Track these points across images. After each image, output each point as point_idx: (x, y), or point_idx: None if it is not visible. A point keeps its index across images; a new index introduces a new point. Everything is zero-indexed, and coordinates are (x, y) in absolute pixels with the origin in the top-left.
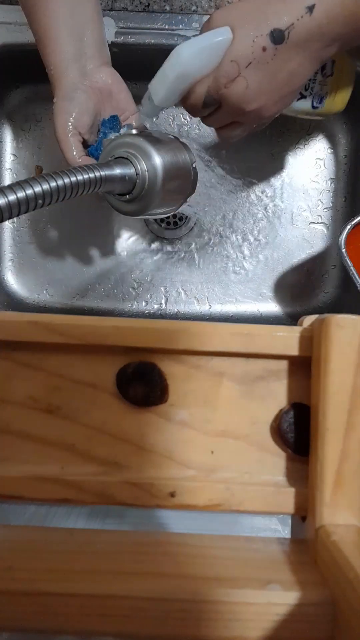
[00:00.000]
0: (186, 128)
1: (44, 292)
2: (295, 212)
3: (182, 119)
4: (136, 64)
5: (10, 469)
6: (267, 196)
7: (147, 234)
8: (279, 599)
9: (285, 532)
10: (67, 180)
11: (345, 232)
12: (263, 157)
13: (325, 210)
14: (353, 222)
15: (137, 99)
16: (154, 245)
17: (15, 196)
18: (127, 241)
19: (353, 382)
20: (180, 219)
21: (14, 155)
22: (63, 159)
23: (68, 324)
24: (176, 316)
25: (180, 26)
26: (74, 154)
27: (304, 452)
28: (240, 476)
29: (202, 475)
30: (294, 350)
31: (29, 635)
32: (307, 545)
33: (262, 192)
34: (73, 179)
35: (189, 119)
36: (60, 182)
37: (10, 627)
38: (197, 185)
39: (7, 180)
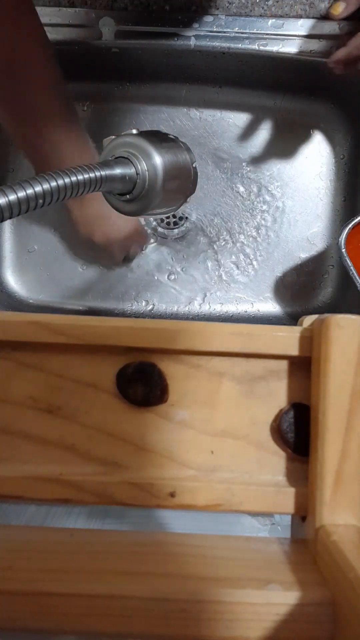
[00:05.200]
0: (186, 128)
1: (44, 292)
2: (295, 212)
3: (183, 119)
4: (135, 64)
5: (10, 469)
6: (267, 196)
7: (147, 234)
8: (279, 599)
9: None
10: (67, 180)
11: (345, 232)
12: (263, 157)
13: (325, 210)
14: (353, 222)
15: (135, 99)
16: (154, 245)
17: (15, 196)
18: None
19: (353, 382)
20: (181, 218)
21: (14, 155)
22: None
23: (68, 324)
24: (175, 316)
25: (180, 26)
26: None
27: (304, 452)
28: (240, 476)
29: (202, 475)
30: (294, 350)
31: (29, 635)
32: (307, 545)
33: (262, 192)
34: (73, 178)
35: (190, 118)
36: (60, 181)
37: (10, 627)
38: (198, 185)
39: (8, 181)
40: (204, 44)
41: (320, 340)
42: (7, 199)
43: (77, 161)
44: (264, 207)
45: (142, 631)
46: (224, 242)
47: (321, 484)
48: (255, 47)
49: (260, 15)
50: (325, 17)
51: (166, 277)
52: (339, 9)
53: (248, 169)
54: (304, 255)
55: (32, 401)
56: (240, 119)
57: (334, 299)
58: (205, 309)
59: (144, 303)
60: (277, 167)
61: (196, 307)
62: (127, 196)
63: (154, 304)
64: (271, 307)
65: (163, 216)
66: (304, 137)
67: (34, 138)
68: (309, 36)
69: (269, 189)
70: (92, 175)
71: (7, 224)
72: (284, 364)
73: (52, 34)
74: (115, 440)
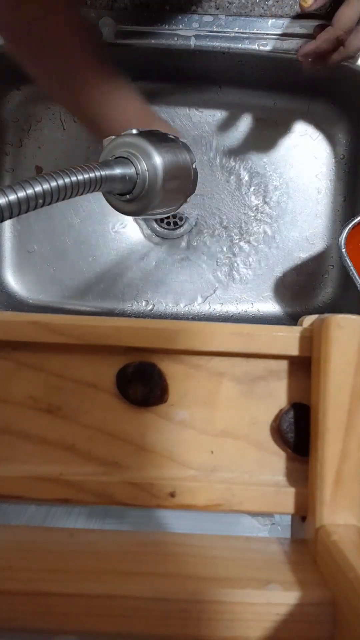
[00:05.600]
0: (186, 128)
1: (44, 292)
2: (295, 212)
3: (183, 119)
4: (136, 64)
5: (10, 469)
6: (267, 196)
7: (147, 234)
8: (279, 599)
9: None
10: (67, 180)
11: (345, 232)
12: (263, 158)
13: (325, 210)
14: (353, 222)
15: None
16: (154, 245)
17: (15, 196)
18: (126, 241)
19: (353, 382)
20: (181, 218)
21: (14, 155)
22: (62, 157)
23: (68, 324)
24: (175, 316)
25: (180, 26)
26: None
27: (304, 452)
28: (240, 476)
29: (202, 475)
30: (294, 350)
31: (29, 635)
32: (307, 545)
33: (262, 192)
34: (73, 178)
35: (190, 118)
36: (60, 181)
37: (10, 627)
38: (198, 185)
39: (7, 181)
40: (204, 44)
41: (320, 340)
42: (7, 199)
43: (129, 112)
44: (264, 207)
45: (142, 631)
46: (223, 242)
47: (321, 484)
48: (255, 47)
49: (260, 15)
50: (326, 17)
51: (166, 277)
52: (309, 2)
53: (248, 168)
54: (304, 255)
55: (32, 401)
56: (240, 119)
57: (334, 299)
58: (205, 309)
59: (144, 303)
60: (276, 167)
61: (196, 307)
62: (127, 196)
63: (154, 304)
64: (271, 307)
65: (163, 216)
66: (304, 137)
67: (81, 97)
68: (309, 36)
69: (269, 188)
70: (92, 175)
71: (7, 224)
72: (284, 364)
73: None
74: (115, 440)
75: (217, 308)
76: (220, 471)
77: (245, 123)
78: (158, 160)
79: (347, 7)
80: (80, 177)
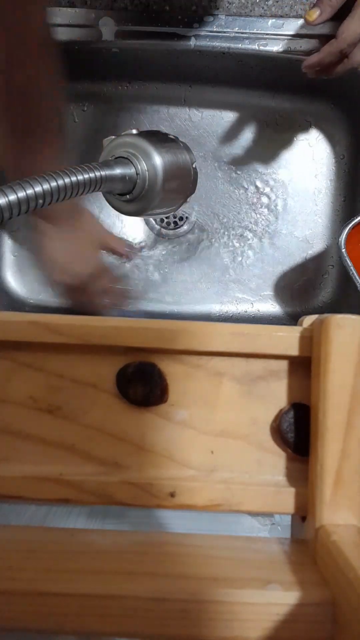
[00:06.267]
0: (186, 128)
1: (44, 292)
2: (295, 212)
3: (183, 119)
4: (135, 64)
5: (10, 469)
6: (267, 196)
7: (147, 234)
8: (279, 599)
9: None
10: (67, 180)
11: (345, 232)
12: (263, 158)
13: (325, 210)
14: (353, 222)
15: (135, 99)
16: (154, 245)
17: (15, 196)
18: (126, 241)
19: (353, 382)
20: (181, 218)
21: None
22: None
23: (68, 324)
24: (175, 316)
25: (180, 26)
26: None
27: (304, 452)
28: (240, 476)
29: (202, 475)
30: (294, 350)
31: (29, 635)
32: (307, 545)
33: (262, 192)
34: (73, 178)
35: (190, 118)
36: (60, 181)
37: (10, 627)
38: (198, 185)
39: (8, 180)
40: (204, 44)
41: (320, 340)
42: (7, 199)
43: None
44: (264, 207)
45: (142, 631)
46: (223, 242)
47: (321, 484)
48: (255, 47)
49: (260, 15)
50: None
51: (166, 276)
52: (314, 16)
53: (248, 168)
54: (304, 255)
55: (32, 401)
56: (240, 119)
57: (334, 299)
58: (205, 309)
59: (144, 303)
60: (276, 167)
61: (196, 307)
62: (127, 196)
63: (154, 304)
64: (271, 307)
65: (163, 216)
66: (304, 137)
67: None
68: (309, 36)
69: (269, 188)
70: (92, 175)
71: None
72: (284, 364)
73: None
74: (115, 440)
75: (217, 308)
76: (220, 471)
77: (245, 123)
78: (158, 160)
79: (350, 20)
80: (80, 177)
